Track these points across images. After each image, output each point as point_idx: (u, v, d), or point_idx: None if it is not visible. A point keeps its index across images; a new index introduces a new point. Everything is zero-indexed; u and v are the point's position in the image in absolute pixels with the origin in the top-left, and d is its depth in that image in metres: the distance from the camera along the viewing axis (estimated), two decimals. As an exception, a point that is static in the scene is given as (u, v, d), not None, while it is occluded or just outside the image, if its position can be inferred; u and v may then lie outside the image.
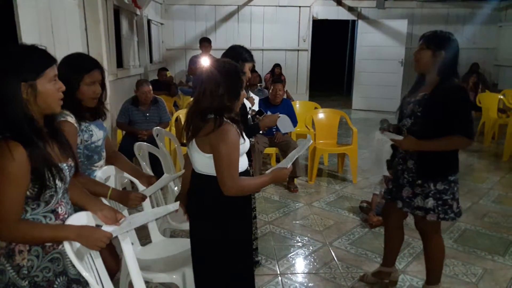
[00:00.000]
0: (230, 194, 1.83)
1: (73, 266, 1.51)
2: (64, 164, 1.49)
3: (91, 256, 1.61)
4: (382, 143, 2.40)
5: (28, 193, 1.37)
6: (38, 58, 1.40)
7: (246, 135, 1.99)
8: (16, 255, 1.41)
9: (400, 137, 2.33)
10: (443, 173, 2.31)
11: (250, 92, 5.93)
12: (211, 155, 1.83)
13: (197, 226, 2.02)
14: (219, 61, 1.94)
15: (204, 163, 1.88)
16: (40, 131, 1.40)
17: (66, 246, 1.44)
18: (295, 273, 3.00)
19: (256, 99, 3.41)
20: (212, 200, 1.91)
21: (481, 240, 3.47)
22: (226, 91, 1.82)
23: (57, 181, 1.42)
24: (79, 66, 2.00)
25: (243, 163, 1.96)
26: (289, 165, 1.96)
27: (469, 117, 2.24)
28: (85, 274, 1.46)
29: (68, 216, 1.52)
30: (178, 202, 1.97)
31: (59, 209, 1.49)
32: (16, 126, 1.33)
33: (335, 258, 3.18)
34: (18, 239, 1.40)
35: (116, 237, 1.72)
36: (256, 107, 3.24)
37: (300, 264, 3.13)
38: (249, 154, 2.12)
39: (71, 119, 1.94)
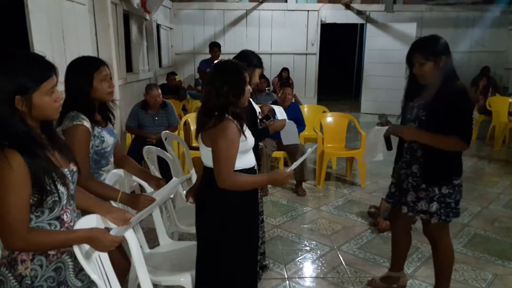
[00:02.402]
0: (224, 187, 1.91)
1: (75, 276, 1.50)
2: (66, 169, 1.46)
3: (100, 259, 1.63)
4: (379, 132, 2.46)
5: (30, 200, 1.35)
6: (36, 70, 1.35)
7: (256, 139, 2.06)
8: (18, 265, 1.38)
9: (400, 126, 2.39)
10: (448, 177, 2.31)
11: (261, 99, 5.97)
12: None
13: (201, 217, 2.09)
14: (220, 62, 2.04)
15: (207, 156, 1.98)
16: (38, 140, 1.37)
17: (75, 249, 1.44)
18: (303, 277, 2.99)
19: (280, 109, 3.43)
20: (215, 192, 1.96)
21: (491, 245, 3.44)
22: (230, 89, 1.92)
23: (58, 186, 1.39)
24: (86, 66, 2.04)
25: (249, 161, 2.03)
26: (289, 170, 2.01)
27: (468, 120, 2.22)
28: (93, 276, 1.46)
29: (73, 224, 1.51)
30: (175, 188, 2.04)
31: (64, 216, 1.46)
32: (11, 136, 1.30)
33: (343, 263, 3.17)
34: (32, 247, 1.38)
35: (123, 238, 1.73)
36: (284, 115, 3.27)
37: (308, 268, 3.12)
38: (257, 157, 2.16)
39: (86, 123, 1.97)
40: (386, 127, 2.43)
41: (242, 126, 1.94)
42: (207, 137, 1.95)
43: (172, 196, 1.91)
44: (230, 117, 1.91)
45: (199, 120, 2.00)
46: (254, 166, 2.08)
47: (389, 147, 2.51)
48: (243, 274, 2.12)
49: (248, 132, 1.99)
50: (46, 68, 1.38)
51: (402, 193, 2.47)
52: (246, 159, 1.99)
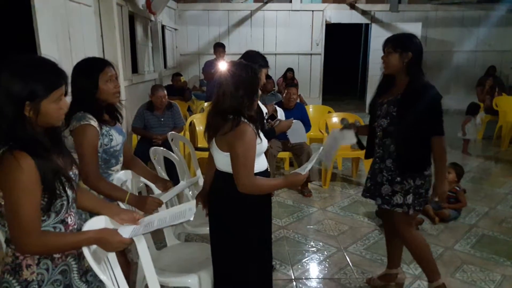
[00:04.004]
0: (245, 192, 1.89)
1: (79, 278, 1.50)
2: (70, 173, 1.47)
3: (108, 260, 1.63)
4: (337, 138, 2.64)
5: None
6: (48, 78, 1.35)
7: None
8: (23, 270, 1.37)
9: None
10: (420, 169, 2.40)
11: (266, 99, 5.98)
12: (229, 153, 1.89)
13: (216, 223, 2.07)
14: (235, 63, 1.99)
15: (223, 161, 1.95)
16: (45, 144, 1.37)
17: (85, 250, 1.44)
18: (310, 278, 2.98)
19: (281, 112, 3.44)
20: (232, 198, 1.95)
21: (499, 246, 3.41)
22: (245, 91, 1.89)
23: (67, 189, 1.40)
24: (90, 68, 2.04)
25: (262, 163, 2.01)
26: (306, 171, 1.99)
27: (438, 113, 2.33)
28: (103, 277, 1.46)
29: (77, 226, 1.51)
30: (193, 207, 1.95)
31: (69, 219, 1.47)
32: (20, 140, 1.30)
33: (350, 263, 3.15)
34: (45, 249, 1.37)
35: (132, 241, 1.73)
36: (282, 118, 3.27)
37: (315, 269, 3.11)
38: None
39: (94, 122, 1.97)
40: (342, 132, 2.65)
41: (257, 129, 1.92)
42: (223, 142, 1.91)
43: (191, 219, 1.72)
44: (245, 121, 1.89)
45: (212, 123, 1.95)
46: (267, 169, 2.07)
47: (361, 147, 2.73)
48: (260, 277, 2.12)
49: (261, 135, 1.98)
50: (58, 76, 1.38)
51: (377, 186, 2.53)
52: (259, 162, 1.97)
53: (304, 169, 1.99)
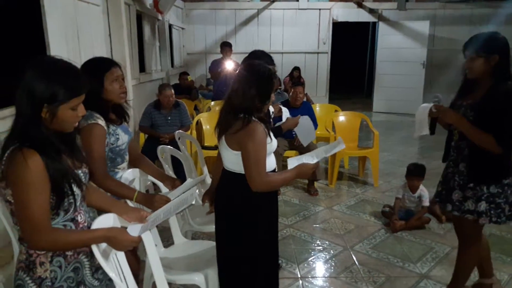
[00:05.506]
0: (258, 190, 1.89)
1: (91, 275, 1.53)
2: (79, 171, 1.49)
3: (117, 258, 1.65)
4: (425, 109, 2.35)
5: None
6: (72, 84, 1.38)
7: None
8: (37, 268, 1.40)
9: (446, 108, 2.27)
10: (497, 177, 2.23)
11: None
12: (239, 152, 1.89)
13: (223, 222, 2.08)
14: (253, 63, 2.00)
15: (232, 160, 1.95)
16: (56, 144, 1.39)
17: (94, 248, 1.46)
18: (316, 277, 2.99)
19: (286, 112, 3.44)
20: (239, 197, 1.97)
21: (507, 245, 3.39)
22: (257, 92, 1.89)
23: (74, 188, 1.42)
24: (97, 68, 2.05)
25: (271, 163, 2.01)
26: (315, 161, 1.99)
27: (508, 124, 2.11)
28: (111, 275, 1.48)
29: (87, 224, 1.53)
30: (195, 192, 1.98)
31: (79, 217, 1.49)
32: (32, 139, 1.33)
33: (356, 262, 3.16)
34: (55, 246, 1.40)
35: (141, 239, 1.75)
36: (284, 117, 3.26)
37: (321, 268, 3.12)
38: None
39: (101, 122, 1.99)
40: (431, 104, 2.32)
41: (268, 129, 1.93)
42: (233, 141, 1.91)
43: (194, 202, 1.83)
44: (256, 119, 1.89)
45: (223, 120, 1.95)
46: (275, 169, 2.07)
47: (432, 131, 2.41)
48: (267, 275, 2.13)
49: (272, 134, 1.98)
50: (80, 85, 1.41)
51: (449, 191, 2.39)
52: (269, 162, 1.96)
53: (313, 159, 1.99)
